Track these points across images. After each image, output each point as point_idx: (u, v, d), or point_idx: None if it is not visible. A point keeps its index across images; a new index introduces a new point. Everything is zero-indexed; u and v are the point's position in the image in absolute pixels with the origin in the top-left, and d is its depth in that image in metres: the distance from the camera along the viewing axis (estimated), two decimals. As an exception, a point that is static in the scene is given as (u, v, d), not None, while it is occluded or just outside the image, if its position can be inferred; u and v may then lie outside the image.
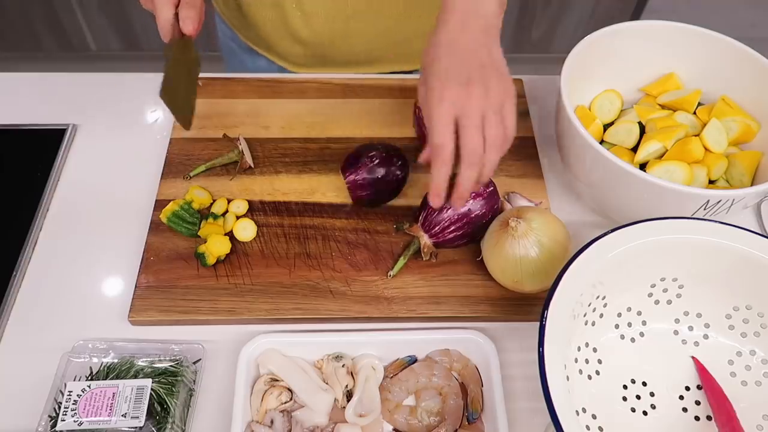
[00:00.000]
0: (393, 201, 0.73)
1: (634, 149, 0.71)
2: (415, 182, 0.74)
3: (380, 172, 0.68)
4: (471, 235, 0.66)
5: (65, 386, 0.56)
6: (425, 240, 0.66)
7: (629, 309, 0.58)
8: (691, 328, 0.59)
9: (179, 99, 0.66)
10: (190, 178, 0.74)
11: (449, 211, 0.64)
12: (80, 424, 0.54)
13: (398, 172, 0.70)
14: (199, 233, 0.68)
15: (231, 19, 0.92)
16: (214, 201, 0.71)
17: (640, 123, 0.73)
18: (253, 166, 0.75)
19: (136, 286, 0.65)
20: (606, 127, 0.74)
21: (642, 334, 0.59)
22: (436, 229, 0.65)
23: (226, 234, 0.68)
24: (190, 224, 0.68)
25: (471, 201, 0.64)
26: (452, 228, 0.65)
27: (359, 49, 0.87)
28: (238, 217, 0.70)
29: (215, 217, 0.68)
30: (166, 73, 0.63)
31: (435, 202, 0.56)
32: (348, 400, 0.58)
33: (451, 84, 0.53)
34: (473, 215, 0.65)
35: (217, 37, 1.00)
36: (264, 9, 0.83)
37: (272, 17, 0.84)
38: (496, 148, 0.55)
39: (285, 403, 0.58)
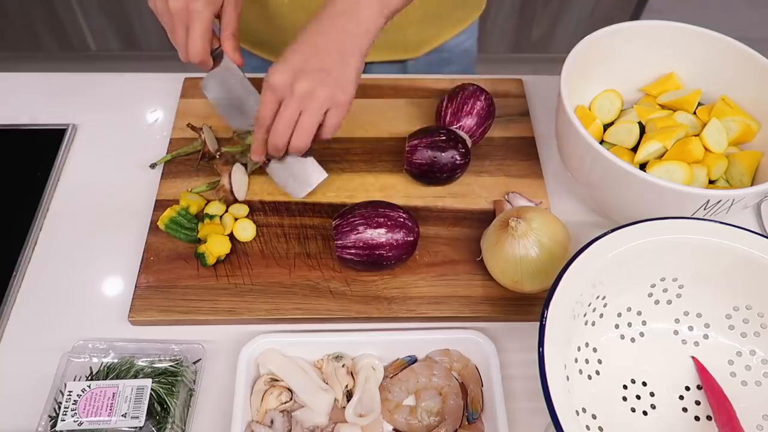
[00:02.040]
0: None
1: (634, 149, 0.71)
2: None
3: (442, 148, 0.70)
4: (369, 264, 0.64)
5: (65, 386, 0.56)
6: (226, 184, 0.68)
7: (629, 309, 0.58)
8: (691, 328, 0.59)
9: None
10: (154, 167, 0.76)
11: (359, 235, 0.63)
12: (80, 424, 0.54)
13: (458, 157, 0.70)
14: (198, 235, 0.68)
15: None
16: (208, 202, 0.71)
17: (640, 123, 0.73)
18: (217, 156, 0.75)
19: (136, 286, 0.65)
20: (606, 127, 0.74)
21: (642, 334, 0.59)
22: (340, 242, 0.64)
23: (225, 234, 0.68)
24: (188, 230, 0.68)
25: (374, 230, 0.63)
26: (352, 250, 0.63)
27: None
28: (236, 219, 0.70)
29: (211, 217, 0.68)
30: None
31: (255, 156, 0.66)
32: (348, 400, 0.58)
33: (284, 69, 0.59)
34: (374, 242, 0.63)
35: None
36: (249, 2, 0.83)
37: (258, 10, 0.84)
38: (295, 141, 0.62)
39: (285, 403, 0.58)
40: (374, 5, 0.60)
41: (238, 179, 0.71)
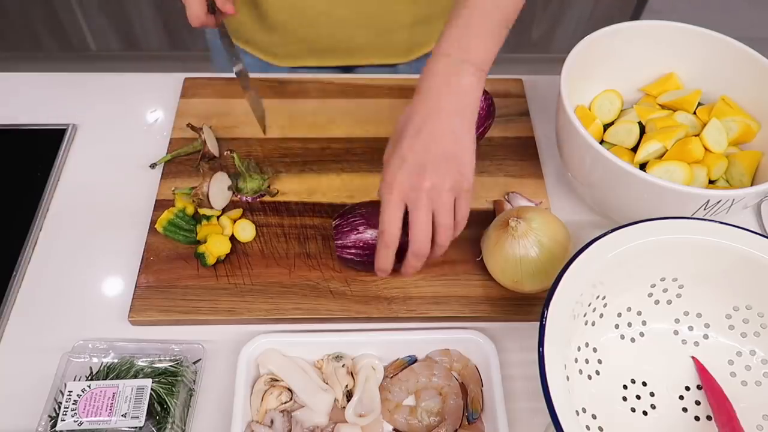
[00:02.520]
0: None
1: (634, 149, 0.71)
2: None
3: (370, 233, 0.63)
4: (369, 264, 0.61)
5: (65, 386, 0.56)
6: (204, 190, 0.67)
7: (629, 309, 0.58)
8: (691, 328, 0.59)
9: (255, 100, 0.72)
10: (154, 167, 0.75)
11: (359, 235, 0.62)
12: (80, 424, 0.54)
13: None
14: (197, 237, 0.67)
15: None
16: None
17: (640, 123, 0.73)
18: (217, 155, 0.75)
19: (136, 286, 0.65)
20: (606, 127, 0.74)
21: (642, 334, 0.59)
22: (340, 242, 0.63)
23: (225, 234, 0.68)
24: (186, 231, 0.68)
25: (374, 230, 0.61)
26: (352, 250, 0.63)
27: (342, 35, 0.86)
28: (234, 221, 0.70)
29: (208, 218, 0.68)
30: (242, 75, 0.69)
31: (380, 275, 0.59)
32: (348, 400, 0.58)
33: (404, 173, 0.54)
34: (374, 243, 0.61)
35: (191, 40, 1.00)
36: (240, 1, 0.83)
37: (249, 9, 0.84)
38: (443, 242, 0.57)
39: (285, 403, 0.58)
40: (474, 73, 0.56)
41: (218, 187, 0.69)
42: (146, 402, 0.55)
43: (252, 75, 0.84)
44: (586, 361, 0.56)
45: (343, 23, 0.82)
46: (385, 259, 0.58)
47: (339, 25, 0.84)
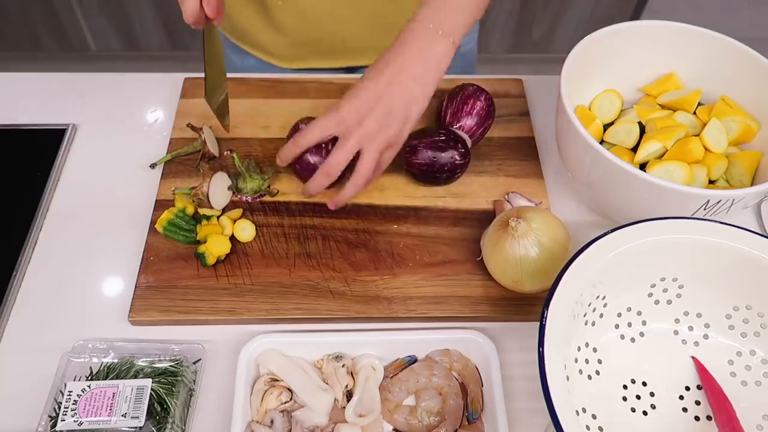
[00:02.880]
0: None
1: (634, 149, 0.71)
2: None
3: (441, 148, 0.70)
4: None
5: (65, 386, 0.56)
6: (204, 189, 0.68)
7: (629, 309, 0.58)
8: (691, 328, 0.59)
9: (217, 98, 0.70)
10: (155, 167, 0.75)
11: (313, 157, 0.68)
12: (80, 424, 0.54)
13: (457, 157, 0.70)
14: (197, 237, 0.67)
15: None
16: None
17: (640, 123, 0.73)
18: (217, 155, 0.75)
19: (136, 286, 0.65)
20: (606, 127, 0.74)
21: (642, 334, 0.59)
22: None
23: (225, 234, 0.68)
24: (186, 231, 0.68)
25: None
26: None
27: (346, 35, 0.86)
28: (234, 221, 0.69)
29: (208, 218, 0.68)
30: (206, 73, 0.66)
31: (281, 162, 0.67)
32: (348, 400, 0.58)
33: (351, 107, 0.60)
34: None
35: (191, 40, 1.00)
36: (245, 2, 0.83)
37: (253, 9, 0.84)
38: (356, 179, 0.63)
39: (285, 403, 0.58)
40: (448, 44, 0.62)
41: (218, 187, 0.69)
42: (146, 402, 0.55)
43: (261, 75, 0.85)
44: (586, 361, 0.56)
45: (347, 24, 0.82)
46: (291, 152, 0.65)
47: (343, 26, 0.84)
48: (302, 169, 0.69)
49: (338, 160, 0.62)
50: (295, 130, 0.71)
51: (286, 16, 0.83)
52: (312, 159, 0.68)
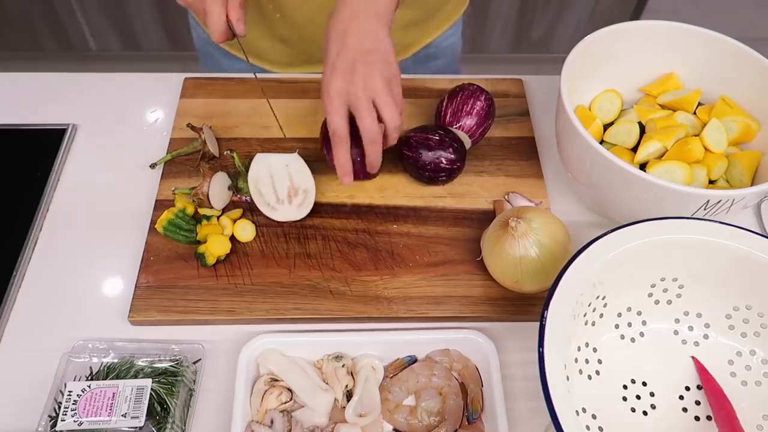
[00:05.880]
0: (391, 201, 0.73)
1: (634, 149, 0.71)
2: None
3: (430, 147, 0.70)
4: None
5: (65, 386, 0.56)
6: (204, 189, 0.67)
7: (629, 309, 0.58)
8: (691, 328, 0.59)
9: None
10: (155, 167, 0.75)
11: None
12: (80, 424, 0.54)
13: (443, 160, 0.71)
14: (197, 237, 0.67)
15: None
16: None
17: (640, 123, 0.73)
18: (217, 155, 0.75)
19: (136, 286, 0.65)
20: (606, 127, 0.74)
21: (642, 334, 0.59)
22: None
23: (225, 234, 0.68)
24: (187, 231, 0.68)
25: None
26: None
27: None
28: (234, 221, 0.69)
29: (208, 218, 0.68)
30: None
31: (345, 180, 0.64)
32: (348, 400, 0.58)
33: (337, 75, 0.60)
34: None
35: (191, 40, 1.00)
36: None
37: (251, 19, 0.84)
38: (392, 119, 0.62)
39: (285, 403, 0.58)
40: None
41: (218, 188, 0.69)
42: (146, 402, 0.55)
43: (260, 75, 0.85)
44: (586, 361, 0.56)
45: None
46: (343, 155, 0.63)
47: None
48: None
49: (368, 123, 0.61)
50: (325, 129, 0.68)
51: (284, 28, 0.83)
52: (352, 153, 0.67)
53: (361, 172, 0.68)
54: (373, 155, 0.64)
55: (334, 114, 0.61)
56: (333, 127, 0.61)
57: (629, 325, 0.59)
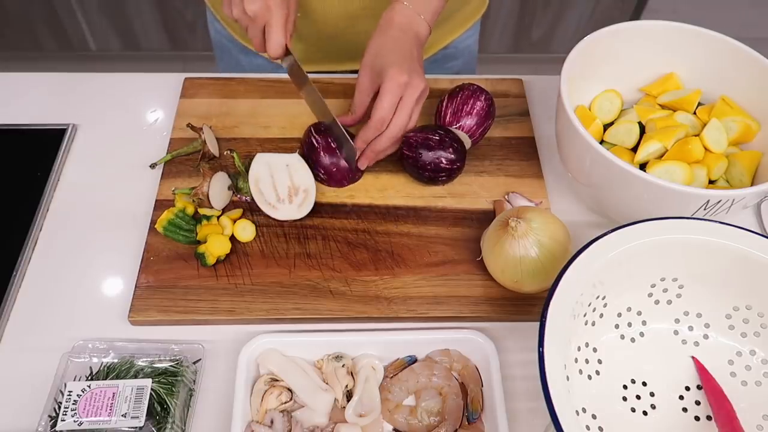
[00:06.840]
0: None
1: (634, 149, 0.71)
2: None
3: (430, 147, 0.71)
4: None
5: (65, 386, 0.56)
6: (204, 189, 0.68)
7: (629, 309, 0.58)
8: (691, 328, 0.59)
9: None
10: (155, 167, 0.75)
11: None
12: (80, 424, 0.54)
13: (443, 160, 0.71)
14: (197, 237, 0.67)
15: (227, 18, 0.92)
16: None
17: (640, 123, 0.73)
18: (217, 155, 0.75)
19: (136, 286, 0.65)
20: (606, 127, 0.74)
21: (642, 334, 0.59)
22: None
23: (225, 234, 0.68)
24: (187, 231, 0.68)
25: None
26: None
27: (361, 46, 0.87)
28: (234, 221, 0.69)
29: (208, 218, 0.68)
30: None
31: (363, 162, 0.72)
32: (348, 400, 0.58)
33: (403, 73, 0.67)
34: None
35: (209, 36, 1.00)
36: None
37: None
38: (396, 127, 0.69)
39: (285, 403, 0.58)
40: (424, 25, 0.72)
41: (218, 188, 0.69)
42: (146, 402, 0.55)
43: (260, 75, 0.85)
44: (586, 361, 0.56)
45: (366, 36, 0.83)
46: (378, 142, 0.70)
47: (365, 38, 0.85)
48: (335, 171, 0.73)
49: (404, 121, 0.69)
50: (309, 134, 0.74)
51: (304, 26, 0.84)
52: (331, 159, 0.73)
53: (345, 179, 0.74)
54: (383, 146, 0.70)
55: (390, 104, 0.68)
56: (383, 115, 0.68)
57: (629, 325, 0.59)
